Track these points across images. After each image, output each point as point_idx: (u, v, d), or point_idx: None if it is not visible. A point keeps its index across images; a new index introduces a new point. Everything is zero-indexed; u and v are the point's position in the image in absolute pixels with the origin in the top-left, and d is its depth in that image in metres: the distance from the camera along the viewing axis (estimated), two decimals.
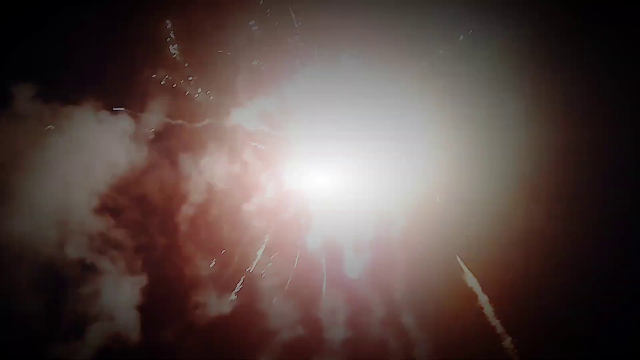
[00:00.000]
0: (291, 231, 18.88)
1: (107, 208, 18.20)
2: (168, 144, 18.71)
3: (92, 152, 17.86)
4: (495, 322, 18.24)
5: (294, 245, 18.79)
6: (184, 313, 18.72)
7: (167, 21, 18.31)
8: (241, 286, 18.66)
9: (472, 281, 18.39)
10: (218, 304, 18.61)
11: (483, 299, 18.31)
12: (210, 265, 18.90)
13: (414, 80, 18.43)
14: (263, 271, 18.74)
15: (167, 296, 18.78)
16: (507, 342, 18.22)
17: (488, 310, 18.24)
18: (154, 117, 18.52)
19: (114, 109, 18.06)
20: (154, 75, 18.39)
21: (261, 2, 18.08)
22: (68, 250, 17.70)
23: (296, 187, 18.90)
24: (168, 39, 18.46)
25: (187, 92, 18.72)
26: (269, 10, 18.03)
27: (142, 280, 18.50)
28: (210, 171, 18.78)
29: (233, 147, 18.82)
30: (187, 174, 18.73)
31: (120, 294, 18.40)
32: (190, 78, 18.65)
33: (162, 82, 18.50)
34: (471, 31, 18.03)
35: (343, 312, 18.50)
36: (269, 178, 18.86)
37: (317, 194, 18.93)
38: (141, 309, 18.40)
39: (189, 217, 18.80)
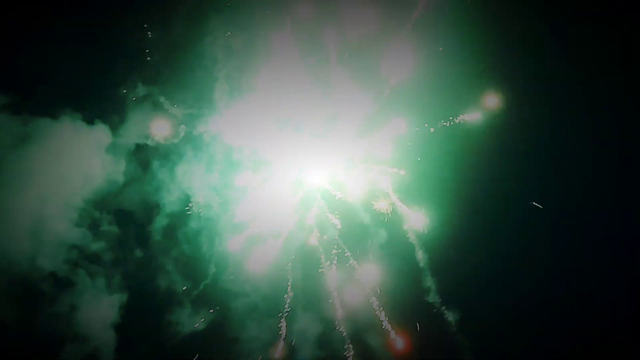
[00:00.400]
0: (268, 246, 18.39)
1: (84, 220, 17.92)
2: (146, 156, 18.54)
3: (69, 164, 17.63)
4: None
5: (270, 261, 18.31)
6: (158, 331, 18.15)
7: (148, 33, 18.29)
8: (215, 304, 18.21)
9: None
10: (191, 322, 18.14)
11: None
12: (184, 287, 18.49)
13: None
14: (237, 289, 18.25)
15: (143, 313, 18.23)
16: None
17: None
18: (132, 128, 18.34)
19: (92, 121, 17.90)
20: (133, 88, 18.32)
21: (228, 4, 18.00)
22: (42, 263, 17.31)
23: (275, 198, 18.48)
24: (147, 51, 18.46)
25: (165, 103, 18.57)
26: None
27: (119, 296, 18.09)
28: (188, 183, 18.51)
29: (211, 157, 18.57)
30: (164, 186, 18.48)
31: (97, 310, 17.95)
32: (169, 89, 18.54)
33: (141, 94, 18.41)
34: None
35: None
36: (248, 189, 18.49)
37: (296, 205, 18.54)
38: (117, 326, 17.92)
39: (166, 230, 18.48)
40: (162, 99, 18.44)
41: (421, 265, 17.96)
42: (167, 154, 18.57)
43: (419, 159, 18.24)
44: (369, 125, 18.55)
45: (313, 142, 18.50)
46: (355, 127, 18.60)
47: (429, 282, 17.80)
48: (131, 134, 18.26)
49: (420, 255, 17.89)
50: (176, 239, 18.47)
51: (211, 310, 18.21)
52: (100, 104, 18.11)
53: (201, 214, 18.49)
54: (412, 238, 17.97)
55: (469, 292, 17.92)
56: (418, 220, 17.94)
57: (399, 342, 17.76)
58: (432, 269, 18.04)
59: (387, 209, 18.00)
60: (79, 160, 17.78)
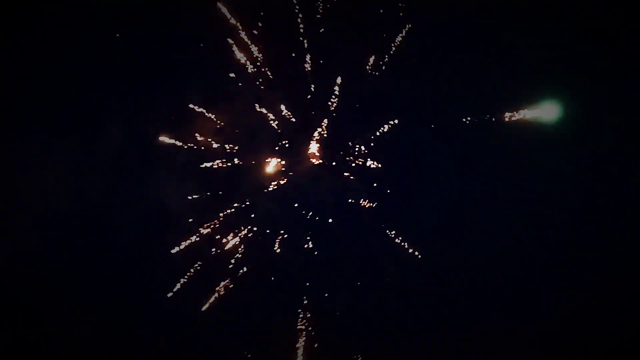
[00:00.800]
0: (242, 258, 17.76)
1: (57, 230, 17.53)
2: (120, 167, 18.02)
3: (40, 175, 17.39)
4: None
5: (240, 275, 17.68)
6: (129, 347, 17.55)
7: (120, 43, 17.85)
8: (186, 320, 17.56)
9: None
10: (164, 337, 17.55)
11: None
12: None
13: None
14: (206, 306, 17.60)
15: (115, 329, 17.67)
16: None
17: None
18: (107, 139, 17.97)
19: (65, 132, 17.60)
20: (107, 97, 17.89)
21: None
22: (10, 275, 17.05)
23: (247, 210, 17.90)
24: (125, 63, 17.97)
25: (140, 112, 18.08)
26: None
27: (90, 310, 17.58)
28: (162, 193, 17.99)
29: (185, 167, 18.04)
30: (139, 196, 17.96)
31: (67, 326, 17.44)
32: (143, 98, 18.06)
33: (115, 103, 17.95)
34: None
35: None
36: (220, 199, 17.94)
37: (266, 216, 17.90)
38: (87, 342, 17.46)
39: (140, 241, 17.88)
40: (136, 109, 18.00)
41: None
42: (142, 165, 18.06)
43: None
44: (354, 130, 17.95)
45: (289, 149, 18.00)
46: (338, 134, 18.04)
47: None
48: (106, 145, 17.91)
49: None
50: (149, 250, 17.85)
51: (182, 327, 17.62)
52: (74, 114, 17.75)
53: (175, 224, 17.90)
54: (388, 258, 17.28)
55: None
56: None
57: None
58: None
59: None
60: (50, 171, 17.52)
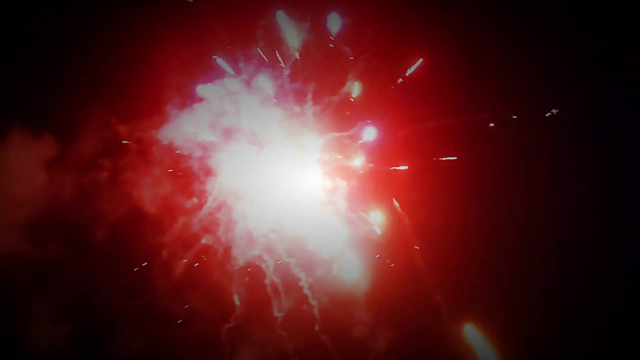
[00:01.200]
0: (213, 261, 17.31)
1: (30, 234, 17.07)
2: (96, 169, 17.68)
3: (14, 179, 17.04)
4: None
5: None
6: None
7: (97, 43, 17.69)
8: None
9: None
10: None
11: None
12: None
13: None
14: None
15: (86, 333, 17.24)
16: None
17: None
18: (83, 143, 17.57)
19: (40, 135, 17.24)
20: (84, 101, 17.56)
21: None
22: None
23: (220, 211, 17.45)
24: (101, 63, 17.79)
25: (116, 115, 17.73)
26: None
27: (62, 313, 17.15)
28: (137, 194, 17.59)
29: (161, 169, 17.74)
30: (113, 198, 17.57)
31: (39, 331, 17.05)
32: (120, 100, 17.75)
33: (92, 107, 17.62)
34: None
35: None
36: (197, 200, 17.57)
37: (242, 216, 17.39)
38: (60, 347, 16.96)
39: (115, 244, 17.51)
40: (113, 112, 17.72)
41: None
42: (118, 166, 17.73)
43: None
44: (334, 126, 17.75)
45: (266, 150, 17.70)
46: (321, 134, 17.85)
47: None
48: (82, 148, 17.54)
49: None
50: (126, 253, 17.58)
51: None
52: (50, 118, 17.49)
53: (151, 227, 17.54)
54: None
55: None
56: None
57: None
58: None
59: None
60: (25, 175, 17.16)
